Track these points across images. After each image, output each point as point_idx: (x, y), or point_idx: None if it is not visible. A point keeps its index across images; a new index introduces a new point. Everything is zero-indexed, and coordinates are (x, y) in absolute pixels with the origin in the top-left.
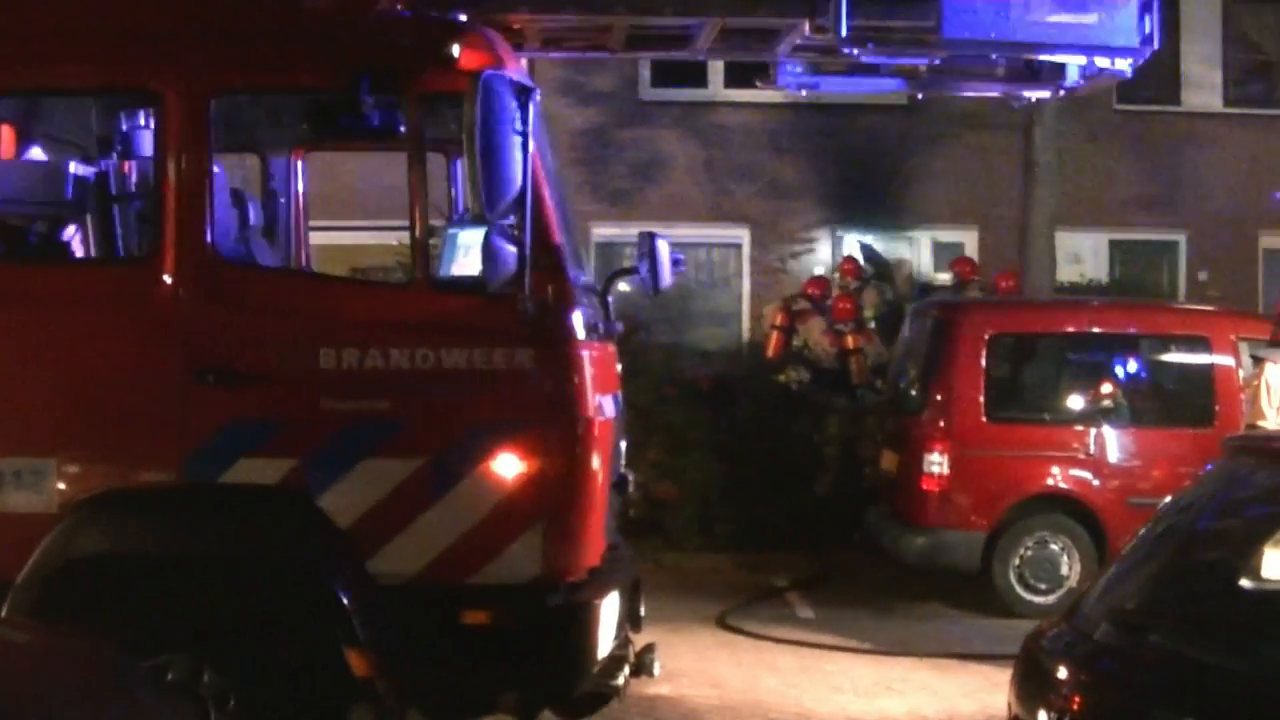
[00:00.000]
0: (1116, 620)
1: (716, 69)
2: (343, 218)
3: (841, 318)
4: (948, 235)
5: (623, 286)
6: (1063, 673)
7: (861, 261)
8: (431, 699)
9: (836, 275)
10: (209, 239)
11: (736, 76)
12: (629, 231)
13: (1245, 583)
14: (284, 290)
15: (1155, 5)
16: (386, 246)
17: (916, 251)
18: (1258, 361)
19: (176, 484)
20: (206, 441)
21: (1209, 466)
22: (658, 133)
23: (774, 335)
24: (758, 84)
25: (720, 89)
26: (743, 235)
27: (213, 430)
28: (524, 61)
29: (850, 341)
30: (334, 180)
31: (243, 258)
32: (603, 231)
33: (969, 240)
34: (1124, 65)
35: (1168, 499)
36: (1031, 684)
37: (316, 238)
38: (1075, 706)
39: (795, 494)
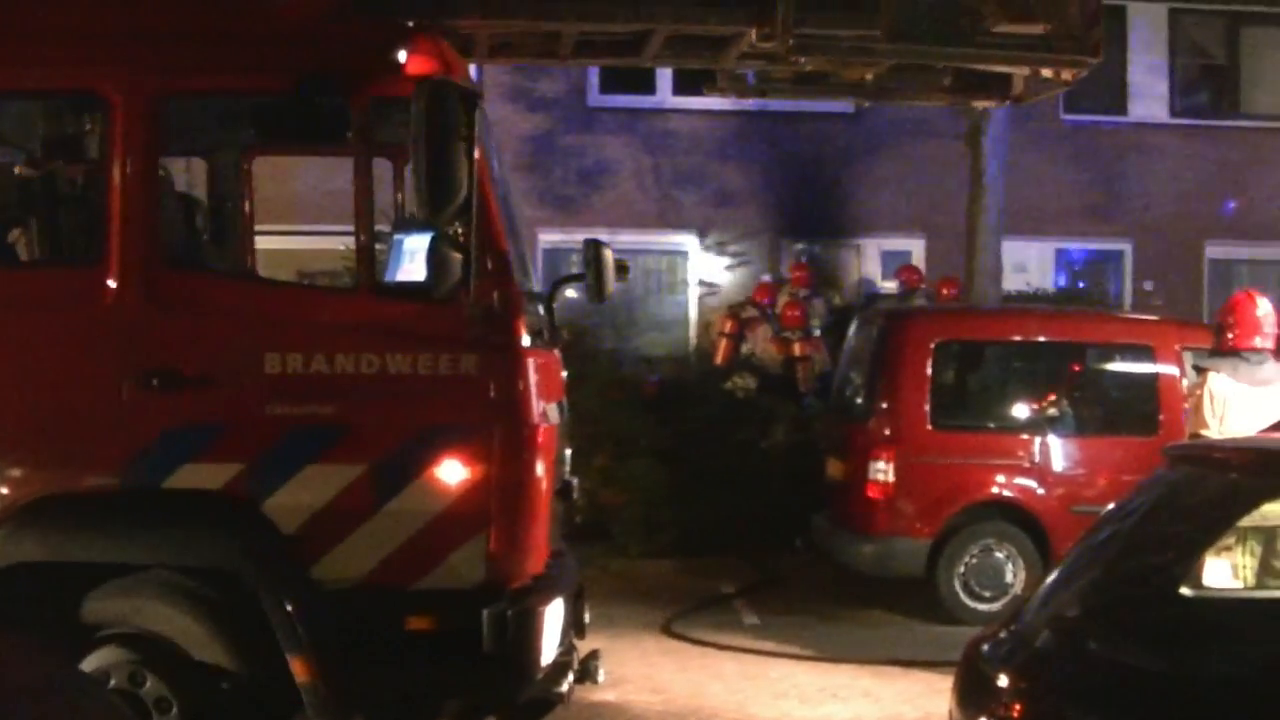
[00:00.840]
0: (1057, 627)
1: (665, 75)
2: (294, 222)
3: (790, 325)
4: (895, 243)
5: (570, 293)
6: (1003, 680)
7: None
8: (375, 705)
9: (786, 282)
10: (155, 243)
11: (685, 83)
12: (576, 238)
13: (1186, 590)
14: (229, 295)
15: (1100, 17)
16: (337, 251)
17: (864, 259)
18: (1200, 371)
19: (120, 489)
20: (150, 446)
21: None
22: (605, 139)
23: (723, 342)
24: (704, 91)
25: (669, 96)
26: (689, 242)
27: (156, 435)
28: (471, 67)
29: (797, 349)
30: (284, 184)
31: (189, 262)
32: (549, 238)
33: (916, 248)
34: (1069, 75)
35: (1110, 506)
36: (972, 691)
37: (267, 242)
38: (1015, 714)
39: (741, 500)
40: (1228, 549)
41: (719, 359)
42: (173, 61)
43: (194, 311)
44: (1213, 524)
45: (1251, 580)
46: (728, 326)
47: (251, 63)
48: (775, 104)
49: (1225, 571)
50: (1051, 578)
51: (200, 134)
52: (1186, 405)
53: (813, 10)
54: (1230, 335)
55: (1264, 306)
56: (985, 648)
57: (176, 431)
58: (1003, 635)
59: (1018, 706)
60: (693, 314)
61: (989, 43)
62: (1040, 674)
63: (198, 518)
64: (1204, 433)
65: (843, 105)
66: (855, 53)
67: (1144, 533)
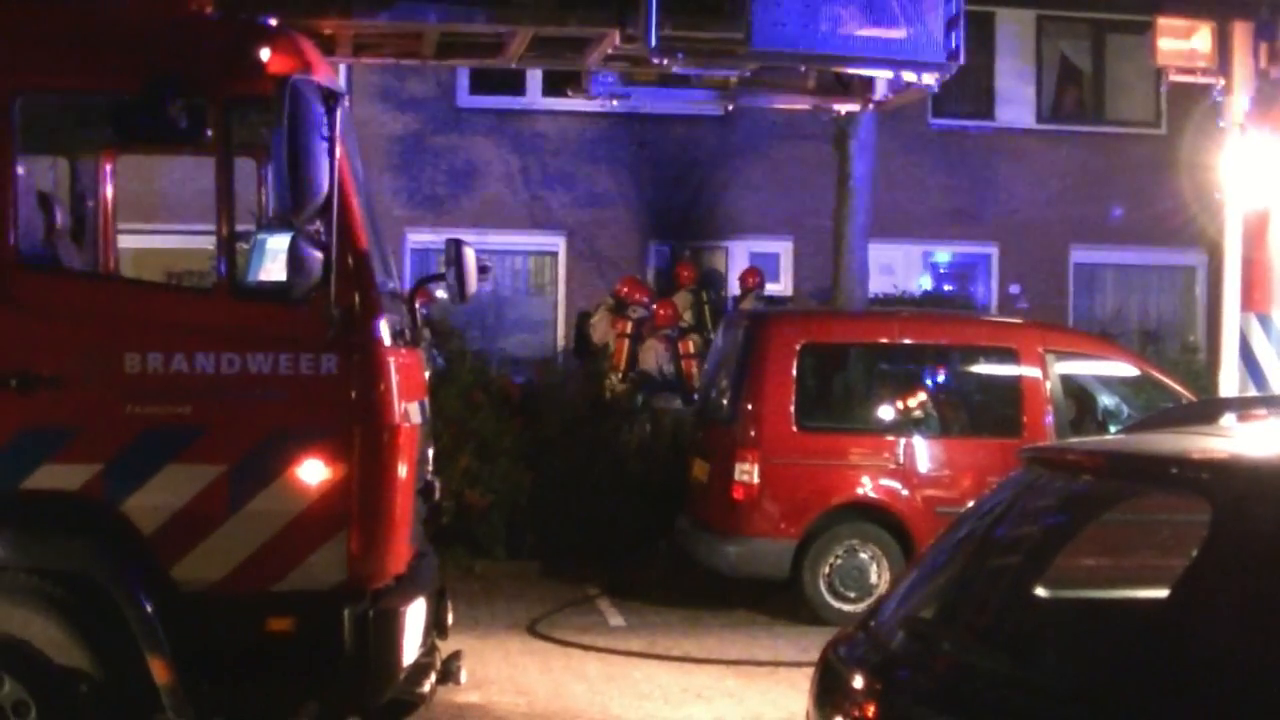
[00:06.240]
0: (911, 628)
1: (534, 76)
2: (163, 221)
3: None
4: (763, 246)
5: (441, 293)
6: (858, 681)
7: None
8: (235, 707)
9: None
10: (11, 242)
11: (554, 85)
12: (445, 238)
13: (1040, 591)
14: (87, 294)
15: (960, 22)
16: (206, 251)
17: (732, 261)
18: None
19: None
20: (7, 448)
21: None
22: (474, 139)
23: (622, 343)
24: (569, 93)
25: (538, 97)
26: (559, 243)
27: (13, 435)
28: (341, 67)
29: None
30: (155, 183)
31: (46, 261)
32: (418, 238)
33: (784, 251)
34: (930, 79)
35: (967, 507)
36: (828, 692)
37: (138, 241)
38: (869, 715)
39: (605, 501)
40: None
41: (618, 360)
42: (28, 59)
43: (51, 312)
44: (1066, 526)
45: None
46: (628, 328)
47: (110, 61)
48: (644, 106)
49: None
50: (908, 578)
51: (59, 134)
52: None
53: (675, 13)
54: None
55: None
56: (842, 648)
57: (34, 432)
58: (859, 636)
59: (871, 708)
60: (561, 315)
61: (851, 47)
62: (894, 675)
63: (55, 519)
64: None
65: (711, 108)
66: (718, 55)
67: (998, 534)
